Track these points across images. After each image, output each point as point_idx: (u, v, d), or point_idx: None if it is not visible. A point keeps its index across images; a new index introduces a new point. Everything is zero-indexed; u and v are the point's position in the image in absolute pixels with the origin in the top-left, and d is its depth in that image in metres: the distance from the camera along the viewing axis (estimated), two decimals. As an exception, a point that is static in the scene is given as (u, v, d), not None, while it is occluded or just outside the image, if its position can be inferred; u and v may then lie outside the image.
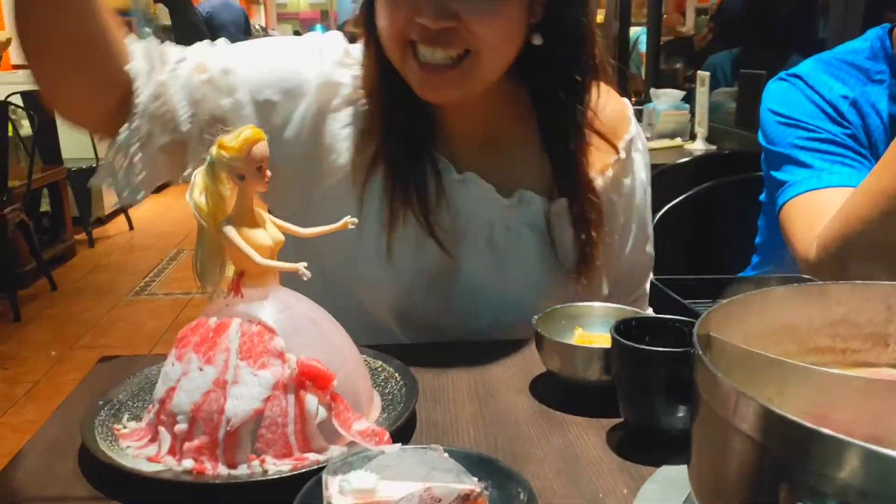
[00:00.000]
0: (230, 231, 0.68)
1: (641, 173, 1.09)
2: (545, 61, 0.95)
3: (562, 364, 0.80)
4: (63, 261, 4.75)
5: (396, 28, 0.87)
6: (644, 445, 0.71)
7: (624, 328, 0.74)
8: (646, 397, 0.70)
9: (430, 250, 0.97)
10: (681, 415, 0.69)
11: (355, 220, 0.74)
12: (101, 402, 0.76)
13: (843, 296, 0.65)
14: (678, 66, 4.98)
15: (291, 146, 0.95)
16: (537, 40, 0.92)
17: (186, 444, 0.66)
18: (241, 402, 0.65)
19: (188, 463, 0.65)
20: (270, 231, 0.71)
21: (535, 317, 0.85)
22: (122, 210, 5.42)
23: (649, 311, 1.18)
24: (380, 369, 0.84)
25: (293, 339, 0.69)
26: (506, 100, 1.00)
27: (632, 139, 1.07)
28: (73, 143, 4.90)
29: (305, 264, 0.69)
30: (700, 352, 0.52)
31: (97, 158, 4.95)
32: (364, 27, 0.94)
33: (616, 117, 1.06)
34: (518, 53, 0.92)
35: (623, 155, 1.05)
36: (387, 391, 0.80)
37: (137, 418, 0.75)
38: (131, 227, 5.58)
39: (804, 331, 0.64)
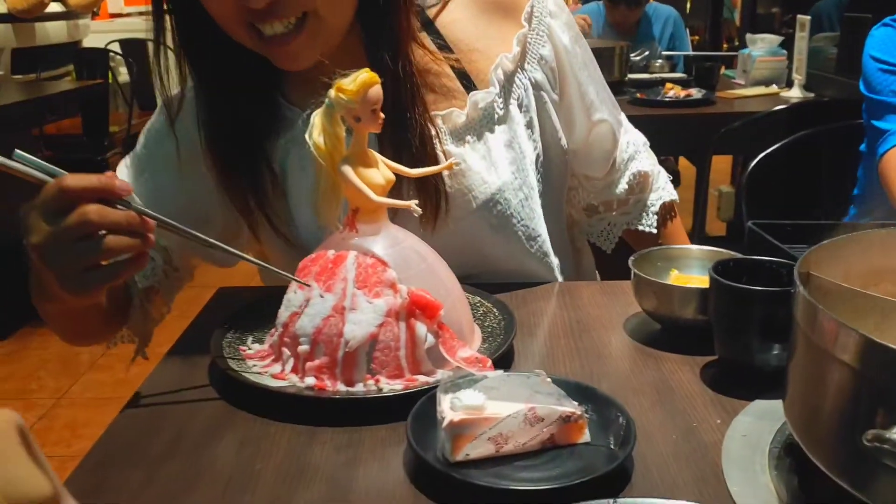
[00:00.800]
0: (347, 170, 0.73)
1: (562, 37, 1.01)
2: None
3: (658, 304, 0.83)
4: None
5: (227, 17, 0.84)
6: (738, 382, 0.74)
7: (722, 268, 0.76)
8: (742, 335, 0.73)
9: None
10: (775, 352, 0.71)
11: (458, 160, 0.78)
12: (226, 326, 0.83)
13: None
14: (775, 10, 4.78)
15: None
16: None
17: (308, 364, 0.72)
18: (358, 326, 0.71)
19: (310, 380, 0.71)
20: (382, 171, 0.76)
21: (632, 258, 0.87)
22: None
23: (667, 189, 1.17)
24: (478, 304, 0.88)
25: (403, 271, 0.74)
26: (352, 47, 0.91)
27: (532, 8, 0.98)
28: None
29: (416, 202, 0.73)
30: (801, 286, 0.54)
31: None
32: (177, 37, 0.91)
33: None
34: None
35: (526, 27, 0.98)
36: (486, 325, 0.85)
37: (260, 341, 0.81)
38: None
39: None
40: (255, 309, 0.87)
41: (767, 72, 2.73)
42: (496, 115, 0.96)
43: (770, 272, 0.76)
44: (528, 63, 0.99)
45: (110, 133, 4.19)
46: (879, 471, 0.47)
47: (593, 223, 1.18)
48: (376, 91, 0.72)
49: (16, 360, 2.94)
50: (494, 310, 0.87)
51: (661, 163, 1.19)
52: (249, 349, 0.80)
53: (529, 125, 0.99)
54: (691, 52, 3.47)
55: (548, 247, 1.03)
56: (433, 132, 0.92)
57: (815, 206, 1.61)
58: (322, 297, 0.72)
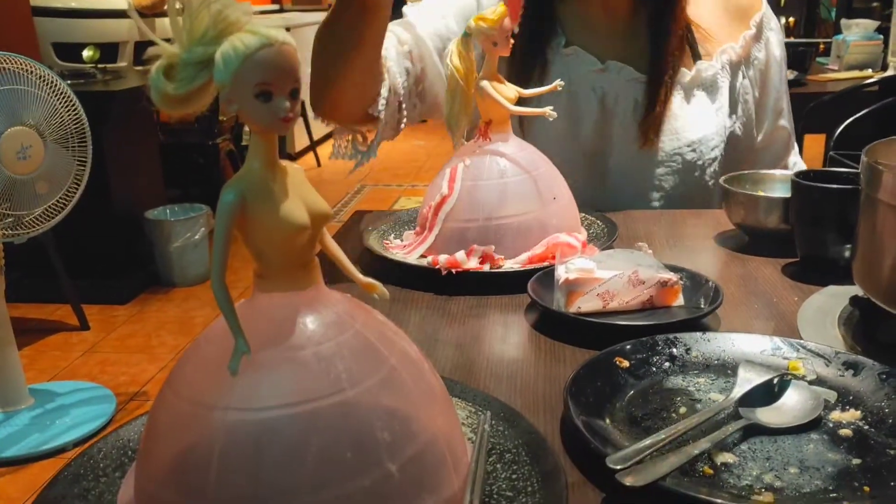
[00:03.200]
0: (487, 85, 0.88)
1: (775, 50, 1.23)
2: None
3: (745, 214, 0.94)
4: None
5: None
6: (815, 274, 0.84)
7: (803, 176, 0.86)
8: (819, 230, 0.83)
9: (582, 130, 1.15)
10: (848, 246, 0.81)
11: (562, 82, 0.93)
12: (370, 228, 0.99)
13: None
14: (875, 4, 4.70)
15: None
16: None
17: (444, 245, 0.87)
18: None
19: (444, 256, 0.86)
20: (510, 88, 0.90)
21: (723, 178, 0.98)
22: (311, 147, 5.88)
23: None
24: (583, 218, 1.01)
25: (533, 169, 0.90)
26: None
27: (763, 17, 1.21)
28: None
29: (552, 108, 0.88)
30: (867, 159, 0.65)
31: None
32: None
33: (747, 0, 1.22)
34: None
35: (753, 30, 1.20)
36: (591, 232, 0.98)
37: (399, 239, 0.97)
38: (319, 164, 6.04)
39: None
40: (394, 218, 1.02)
41: (862, 56, 2.75)
42: (715, 85, 1.18)
43: (846, 181, 0.86)
44: (746, 59, 1.21)
45: (220, 121, 4.49)
46: (926, 291, 0.58)
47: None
48: (509, 21, 0.87)
49: (138, 321, 3.20)
50: (598, 221, 1.00)
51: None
52: (392, 243, 0.95)
53: (733, 106, 1.20)
54: (785, 39, 3.48)
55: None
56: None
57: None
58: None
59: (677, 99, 1.16)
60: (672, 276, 0.75)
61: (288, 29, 5.56)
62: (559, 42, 1.18)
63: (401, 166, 5.83)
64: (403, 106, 1.12)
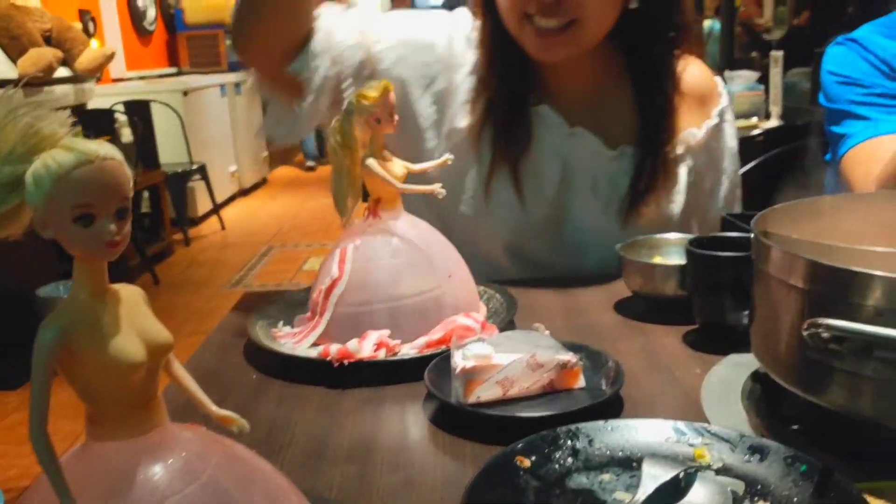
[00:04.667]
0: (373, 164, 0.84)
1: (731, 142, 1.23)
2: (640, 23, 1.09)
3: (643, 282, 0.93)
4: (163, 258, 5.07)
5: (515, 3, 1.02)
6: (715, 342, 0.83)
7: (697, 243, 0.86)
8: (716, 298, 0.82)
9: (539, 197, 1.12)
10: (746, 312, 0.80)
11: (451, 156, 0.90)
12: (256, 316, 0.93)
13: (888, 202, 0.76)
14: (754, 54, 4.97)
15: (423, 112, 1.14)
16: (634, 4, 1.06)
17: (334, 331, 0.82)
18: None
19: (336, 346, 0.81)
20: (397, 164, 0.87)
21: (618, 245, 0.97)
22: (214, 211, 5.73)
23: None
24: (482, 291, 0.98)
25: (427, 247, 0.86)
26: (605, 61, 1.14)
27: (723, 109, 1.21)
28: (170, 149, 5.22)
29: (440, 185, 0.85)
30: (756, 232, 0.64)
31: (191, 162, 5.28)
32: (480, 6, 1.11)
33: (709, 88, 1.21)
34: (617, 18, 1.06)
35: (716, 120, 1.19)
36: (490, 307, 0.94)
37: (289, 325, 0.91)
38: (223, 227, 5.88)
39: (852, 233, 0.75)
40: (285, 299, 0.97)
41: (746, 106, 2.88)
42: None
43: (739, 247, 0.86)
44: (704, 148, 1.18)
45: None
46: (821, 370, 0.56)
47: None
48: (392, 97, 0.84)
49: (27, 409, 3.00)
50: (497, 295, 0.97)
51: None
52: (280, 332, 0.89)
53: (687, 191, 1.18)
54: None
55: None
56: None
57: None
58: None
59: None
60: (571, 358, 0.72)
61: (186, 93, 5.47)
62: (528, 98, 1.14)
63: (309, 224, 5.75)
64: (344, 85, 1.09)
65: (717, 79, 1.24)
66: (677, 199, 1.15)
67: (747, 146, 2.09)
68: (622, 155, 1.13)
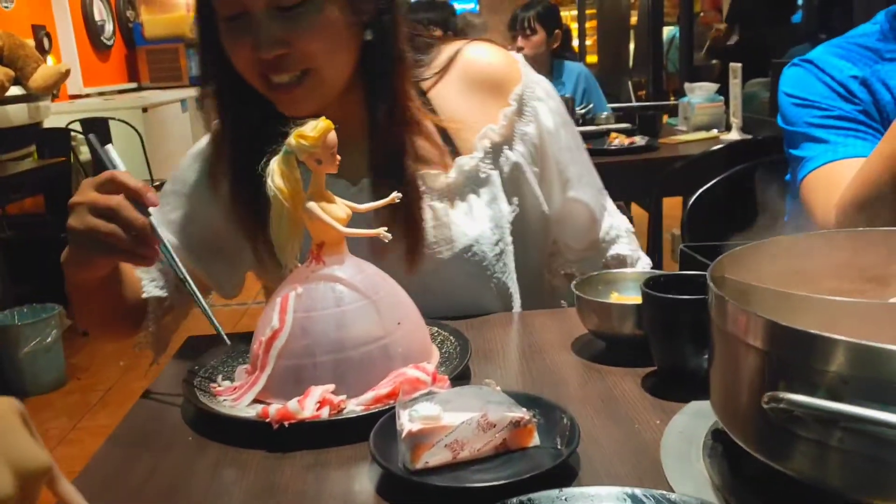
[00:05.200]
0: (314, 207, 0.79)
1: (546, 121, 1.11)
2: (372, 56, 1.01)
3: (599, 321, 0.89)
4: (124, 278, 4.95)
5: (245, 64, 0.97)
6: (675, 387, 0.80)
7: (654, 283, 0.82)
8: (674, 342, 0.79)
9: (362, 255, 0.98)
10: (706, 357, 0.77)
11: (399, 194, 0.86)
12: (196, 368, 0.88)
13: (846, 241, 0.73)
14: (714, 62, 5.01)
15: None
16: (369, 36, 0.99)
17: (276, 389, 0.77)
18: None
19: (276, 406, 0.76)
20: (341, 207, 0.82)
21: (574, 282, 0.94)
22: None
23: (643, 261, 1.22)
24: (436, 333, 0.94)
25: (373, 293, 0.82)
26: (351, 102, 1.04)
27: (523, 89, 1.10)
28: (129, 167, 5.07)
29: (385, 228, 0.81)
30: (713, 284, 0.61)
31: (152, 180, 5.17)
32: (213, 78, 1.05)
33: (503, 73, 1.10)
34: (358, 54, 1.00)
35: (514, 105, 1.09)
36: (443, 350, 0.90)
37: (230, 379, 0.86)
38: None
39: (812, 274, 0.72)
40: (225, 352, 0.91)
41: (707, 117, 2.88)
42: (479, 178, 1.07)
43: (697, 286, 0.83)
44: (514, 137, 1.10)
45: (73, 210, 4.21)
46: (784, 437, 0.53)
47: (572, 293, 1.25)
48: (333, 136, 0.80)
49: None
50: (451, 337, 0.93)
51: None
52: (220, 386, 0.84)
53: (509, 190, 1.10)
54: (635, 103, 3.62)
55: (517, 303, 1.11)
56: (422, 188, 1.04)
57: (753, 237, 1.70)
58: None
59: (441, 207, 1.04)
60: (524, 415, 0.68)
61: (145, 109, 5.36)
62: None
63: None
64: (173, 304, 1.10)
65: (516, 57, 1.13)
66: (483, 214, 1.06)
67: (710, 161, 2.09)
68: (361, 190, 1.04)
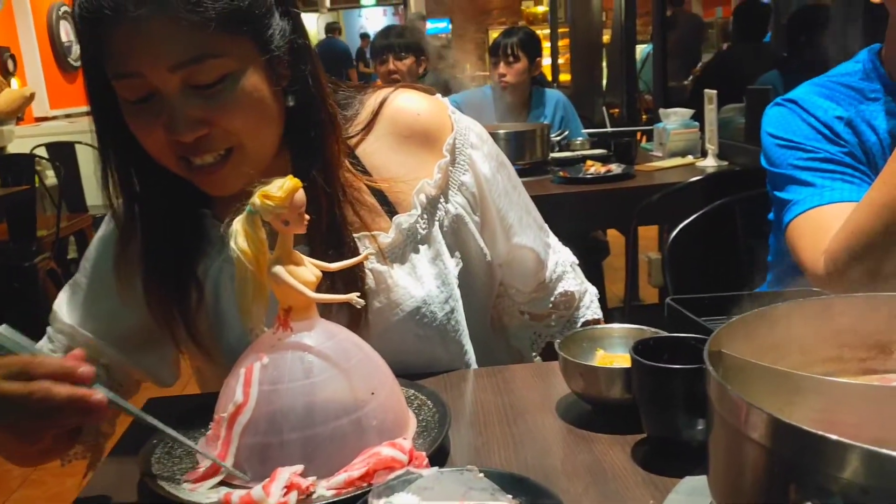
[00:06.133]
0: (281, 271, 0.74)
1: (483, 167, 1.06)
2: (298, 122, 0.95)
3: (585, 385, 0.84)
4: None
5: (159, 148, 0.89)
6: (667, 458, 0.75)
7: (643, 348, 0.78)
8: (666, 412, 0.75)
9: None
10: (700, 427, 0.73)
11: (372, 251, 0.80)
12: (154, 441, 0.82)
13: (846, 307, 0.69)
14: (686, 82, 5.04)
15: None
16: (292, 101, 0.93)
17: (238, 472, 0.71)
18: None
19: (239, 494, 0.70)
20: (310, 268, 0.77)
21: (558, 340, 0.89)
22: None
23: (590, 292, 1.22)
24: (412, 398, 0.89)
25: (344, 361, 0.77)
26: (278, 170, 0.90)
27: (455, 139, 1.05)
28: (97, 191, 5.00)
29: (358, 294, 0.76)
30: (711, 368, 0.56)
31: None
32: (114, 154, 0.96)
33: (432, 124, 1.04)
34: (282, 122, 0.94)
35: (447, 156, 1.03)
36: (421, 418, 0.85)
37: (190, 454, 0.80)
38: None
39: (811, 342, 0.68)
40: (186, 420, 0.85)
41: (682, 143, 2.86)
42: (419, 235, 1.02)
43: (690, 348, 0.79)
44: (450, 188, 1.05)
45: (38, 238, 4.11)
46: (797, 544, 0.48)
47: (521, 330, 1.22)
48: (301, 195, 0.75)
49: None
50: (429, 402, 0.88)
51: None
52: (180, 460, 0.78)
53: (452, 243, 1.05)
54: (609, 129, 3.61)
55: (472, 358, 1.07)
56: (361, 251, 0.96)
57: (736, 272, 1.67)
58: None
59: (383, 269, 0.98)
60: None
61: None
62: (216, 251, 1.01)
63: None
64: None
65: (442, 103, 1.08)
66: (428, 271, 1.01)
67: (688, 192, 2.07)
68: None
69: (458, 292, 1.04)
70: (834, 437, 0.46)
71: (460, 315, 1.04)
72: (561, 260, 1.18)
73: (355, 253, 0.94)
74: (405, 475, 0.68)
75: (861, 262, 0.99)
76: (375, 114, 1.04)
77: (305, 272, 0.77)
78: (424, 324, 1.00)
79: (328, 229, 0.95)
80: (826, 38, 3.01)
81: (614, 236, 3.82)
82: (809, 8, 3.67)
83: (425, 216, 1.02)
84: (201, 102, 0.86)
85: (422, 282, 1.00)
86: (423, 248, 1.02)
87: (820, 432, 0.47)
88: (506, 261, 1.12)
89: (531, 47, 3.31)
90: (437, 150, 1.04)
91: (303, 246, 0.93)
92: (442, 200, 1.04)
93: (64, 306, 1.04)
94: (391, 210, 1.01)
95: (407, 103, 1.04)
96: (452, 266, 1.04)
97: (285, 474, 0.71)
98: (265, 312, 0.78)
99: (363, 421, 0.76)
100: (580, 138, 3.14)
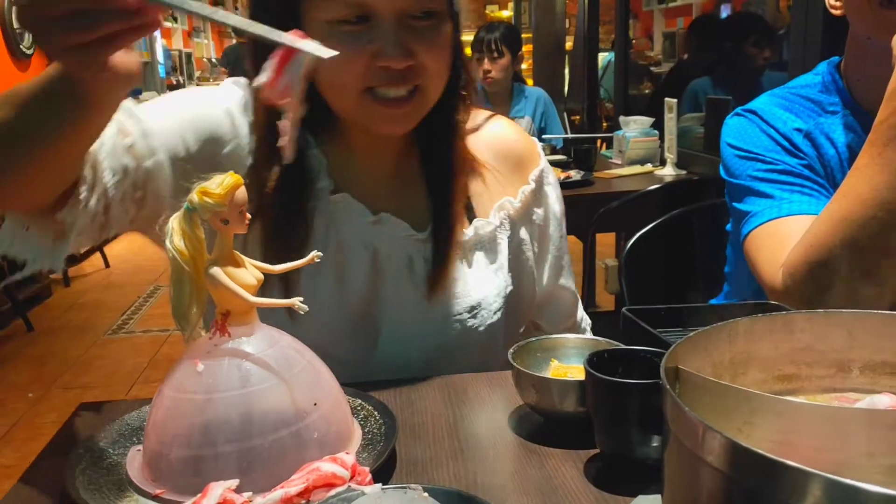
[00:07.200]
0: (218, 273, 0.70)
1: (555, 206, 1.16)
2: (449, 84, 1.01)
3: (538, 397, 0.82)
4: (39, 301, 4.70)
5: (353, 76, 0.91)
6: (620, 476, 0.73)
7: (597, 360, 0.75)
8: (620, 428, 0.72)
9: (351, 290, 1.00)
10: (655, 444, 0.70)
11: (320, 254, 0.77)
12: (81, 451, 0.76)
13: (806, 324, 0.67)
14: (647, 91, 5.07)
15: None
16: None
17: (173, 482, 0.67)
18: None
19: (170, 510, 0.66)
20: (251, 270, 0.73)
21: (511, 350, 0.86)
22: (98, 248, 5.38)
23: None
24: (359, 408, 0.85)
25: (286, 371, 0.72)
26: (404, 140, 1.04)
27: (542, 172, 1.13)
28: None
29: (301, 299, 0.71)
30: (668, 385, 0.54)
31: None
32: None
33: (526, 151, 1.13)
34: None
35: (533, 185, 1.11)
36: (367, 430, 0.81)
37: (120, 465, 0.75)
38: (107, 265, 5.54)
39: (771, 359, 0.66)
40: (117, 429, 0.81)
41: (642, 151, 2.87)
42: (492, 244, 1.07)
43: (645, 361, 0.77)
44: (524, 215, 1.11)
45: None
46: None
47: None
48: (242, 193, 0.71)
49: None
50: (375, 413, 0.84)
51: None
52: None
53: (512, 265, 1.09)
54: (570, 135, 3.60)
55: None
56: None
57: (692, 281, 1.66)
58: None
59: (456, 260, 1.04)
60: (454, 525, 0.60)
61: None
62: (325, 187, 1.02)
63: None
64: (112, 210, 0.88)
65: (534, 140, 1.19)
66: (490, 279, 1.06)
67: (645, 200, 2.06)
68: (430, 236, 1.04)
69: (501, 312, 1.06)
70: (794, 464, 0.43)
71: (499, 332, 1.06)
72: (585, 317, 1.26)
73: (456, 226, 1.02)
74: (346, 492, 0.64)
75: (819, 275, 0.97)
76: (478, 126, 1.11)
77: (245, 274, 0.73)
78: (471, 323, 1.03)
79: (439, 198, 1.02)
80: (750, 46, 3.07)
81: (572, 242, 3.82)
82: (740, 15, 3.72)
83: (502, 230, 1.08)
84: (412, 35, 0.91)
85: (483, 284, 1.05)
86: (489, 256, 1.07)
87: (779, 459, 0.44)
88: (546, 299, 1.18)
89: (513, 41, 3.30)
90: (524, 177, 1.11)
91: (416, 212, 1.03)
92: (518, 224, 1.10)
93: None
94: (471, 212, 1.07)
95: (506, 127, 1.14)
96: (506, 285, 1.08)
97: (218, 489, 0.66)
98: (201, 314, 0.74)
99: (304, 433, 0.72)
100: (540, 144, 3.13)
